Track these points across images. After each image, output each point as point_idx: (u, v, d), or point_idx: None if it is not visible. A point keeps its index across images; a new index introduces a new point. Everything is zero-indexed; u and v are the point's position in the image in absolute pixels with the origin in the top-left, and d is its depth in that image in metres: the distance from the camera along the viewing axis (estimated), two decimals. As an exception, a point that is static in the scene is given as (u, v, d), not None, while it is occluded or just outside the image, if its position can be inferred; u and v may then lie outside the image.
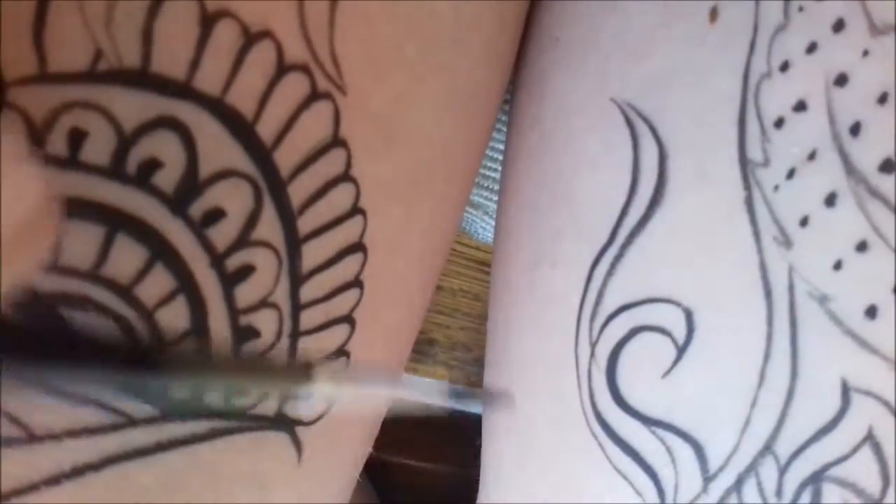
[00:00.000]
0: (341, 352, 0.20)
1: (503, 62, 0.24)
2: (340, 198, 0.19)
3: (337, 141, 0.19)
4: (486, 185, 0.35)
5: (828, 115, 0.19)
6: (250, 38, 0.17)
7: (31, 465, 0.17)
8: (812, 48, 0.19)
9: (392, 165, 0.20)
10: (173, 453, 0.18)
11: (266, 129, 0.18)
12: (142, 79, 0.16)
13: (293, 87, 0.18)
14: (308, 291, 0.19)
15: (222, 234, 0.17)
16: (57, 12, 0.16)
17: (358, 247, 0.20)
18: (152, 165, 0.17)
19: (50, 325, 0.12)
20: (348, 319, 0.20)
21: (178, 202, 0.17)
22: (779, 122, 0.19)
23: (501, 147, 0.32)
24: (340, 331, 0.20)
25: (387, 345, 0.22)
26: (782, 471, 0.19)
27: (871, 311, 0.18)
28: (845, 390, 0.18)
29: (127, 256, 0.17)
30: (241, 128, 0.17)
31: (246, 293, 0.18)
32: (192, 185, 0.17)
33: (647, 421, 0.20)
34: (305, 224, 0.19)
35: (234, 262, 0.18)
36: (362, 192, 0.19)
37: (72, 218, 0.16)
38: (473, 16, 0.21)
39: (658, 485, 0.20)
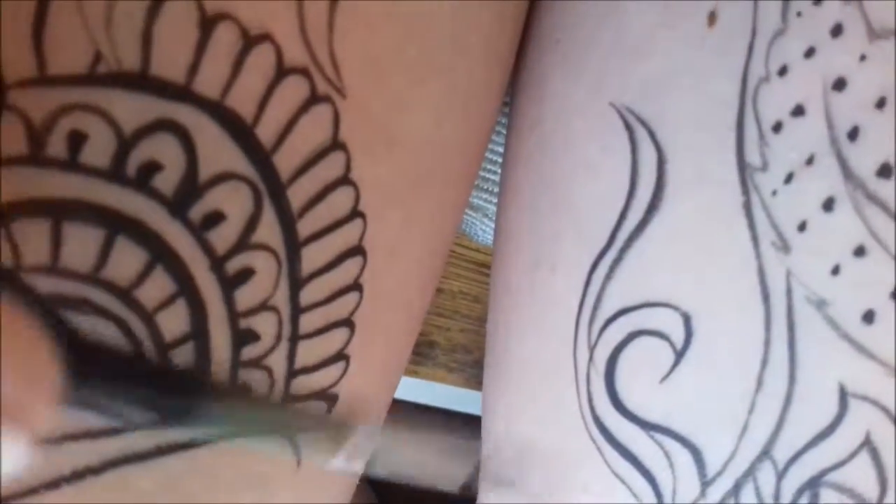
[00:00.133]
0: (341, 355, 0.20)
1: (502, 64, 0.24)
2: (340, 201, 0.19)
3: (336, 144, 0.19)
4: (485, 187, 0.35)
5: (826, 119, 0.19)
6: (250, 41, 0.17)
7: (32, 469, 0.17)
8: (810, 53, 0.19)
9: (391, 168, 0.20)
10: (172, 457, 0.18)
11: (266, 132, 0.18)
12: (141, 81, 0.16)
13: (293, 90, 0.18)
14: (308, 295, 0.19)
15: (222, 238, 0.18)
16: (56, 14, 0.16)
17: (357, 250, 0.20)
18: (152, 168, 0.17)
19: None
20: (348, 323, 0.20)
21: (178, 205, 0.17)
22: (777, 127, 0.19)
23: (501, 149, 0.32)
24: (340, 334, 0.20)
25: (387, 348, 0.22)
26: (780, 476, 0.19)
27: (869, 316, 0.18)
28: (843, 395, 0.18)
29: (127, 259, 0.17)
30: (240, 131, 0.17)
31: (246, 296, 0.18)
32: (191, 187, 0.17)
33: (646, 425, 0.20)
34: (305, 227, 0.19)
35: (233, 266, 0.18)
36: (362, 195, 0.19)
37: (71, 220, 0.16)
38: (472, 18, 0.21)
39: (656, 489, 0.20)
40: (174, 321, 0.17)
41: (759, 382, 0.19)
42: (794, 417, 0.19)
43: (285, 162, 0.18)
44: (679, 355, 0.20)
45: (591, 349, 0.21)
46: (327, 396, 0.20)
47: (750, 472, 0.19)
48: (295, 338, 0.19)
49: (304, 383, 0.19)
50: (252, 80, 0.17)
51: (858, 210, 0.18)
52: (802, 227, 0.19)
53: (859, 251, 0.18)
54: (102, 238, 0.16)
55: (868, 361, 0.18)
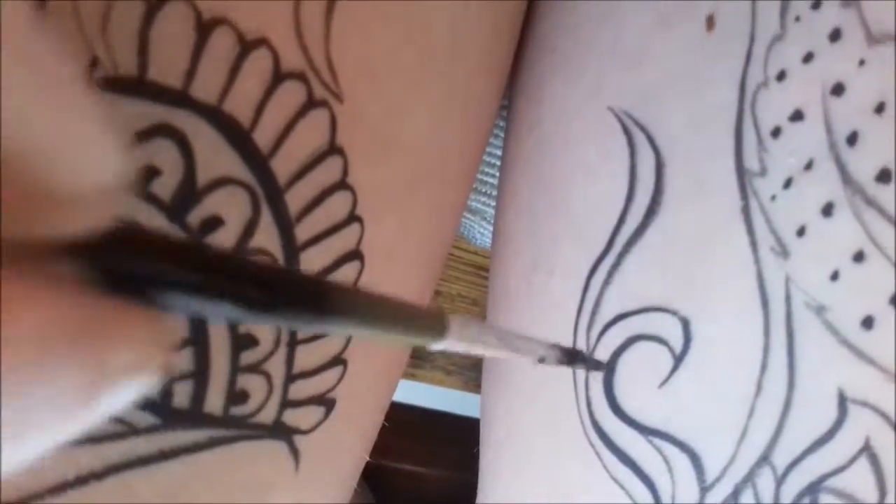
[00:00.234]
0: (339, 360, 0.20)
1: (500, 68, 0.24)
2: (337, 205, 0.19)
3: (333, 148, 0.19)
4: (483, 190, 0.35)
5: (825, 124, 0.19)
6: (247, 46, 0.17)
7: (36, 474, 0.17)
8: (809, 58, 0.19)
9: (389, 172, 0.20)
10: (175, 462, 0.18)
11: (263, 137, 0.18)
12: (138, 86, 0.16)
13: (290, 95, 0.18)
14: (306, 299, 0.19)
15: (220, 242, 0.17)
16: (52, 18, 0.16)
17: (355, 254, 0.20)
18: (150, 173, 0.17)
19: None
20: (346, 327, 0.20)
21: (176, 210, 0.17)
22: (776, 132, 0.19)
23: (499, 153, 0.32)
24: (338, 338, 0.20)
25: (385, 351, 0.22)
26: (779, 481, 0.19)
27: (868, 322, 0.18)
28: (842, 401, 0.18)
29: None
30: (238, 136, 0.17)
31: (243, 301, 0.18)
32: (189, 192, 0.17)
33: (644, 430, 0.20)
34: (303, 232, 0.18)
35: (231, 270, 0.18)
36: (359, 199, 0.19)
37: None
38: (470, 21, 0.21)
39: (655, 494, 0.20)
40: (172, 325, 0.17)
41: (759, 387, 0.19)
42: (794, 423, 0.19)
43: (283, 166, 0.18)
44: (678, 360, 0.20)
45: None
46: (325, 401, 0.20)
47: (749, 478, 0.19)
48: (293, 342, 0.19)
49: (302, 388, 0.19)
50: (249, 85, 0.17)
51: (857, 215, 0.18)
52: (801, 232, 0.19)
53: (858, 256, 0.18)
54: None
55: (867, 367, 0.18)
